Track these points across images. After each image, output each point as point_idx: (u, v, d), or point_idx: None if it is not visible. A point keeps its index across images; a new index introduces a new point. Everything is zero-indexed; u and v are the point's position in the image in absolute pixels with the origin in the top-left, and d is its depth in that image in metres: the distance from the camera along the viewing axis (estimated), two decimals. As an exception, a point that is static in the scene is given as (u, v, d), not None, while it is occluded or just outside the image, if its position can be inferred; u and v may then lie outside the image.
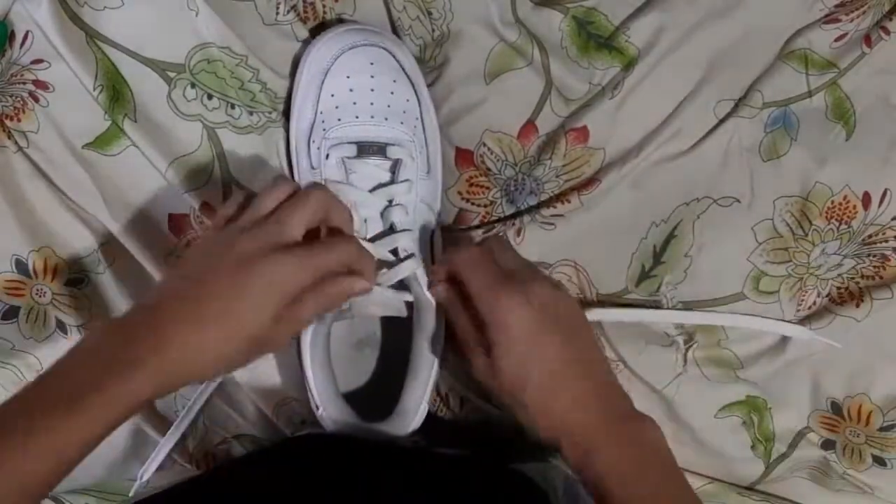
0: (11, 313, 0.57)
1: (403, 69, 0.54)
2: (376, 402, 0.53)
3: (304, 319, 0.47)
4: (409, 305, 0.53)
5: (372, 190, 0.52)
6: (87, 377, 0.40)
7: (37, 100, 0.56)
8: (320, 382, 0.52)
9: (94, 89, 0.54)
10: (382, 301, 0.52)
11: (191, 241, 0.58)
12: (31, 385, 0.40)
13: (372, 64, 0.53)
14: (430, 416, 0.56)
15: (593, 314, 0.57)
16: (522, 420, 0.47)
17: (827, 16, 0.58)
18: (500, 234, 0.58)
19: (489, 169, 0.58)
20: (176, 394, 0.60)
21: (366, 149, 0.52)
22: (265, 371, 0.60)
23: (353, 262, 0.47)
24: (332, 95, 0.53)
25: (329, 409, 0.52)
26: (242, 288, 0.43)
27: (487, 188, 0.59)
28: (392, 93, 0.53)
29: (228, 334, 0.43)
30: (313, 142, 0.54)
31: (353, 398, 0.54)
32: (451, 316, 0.51)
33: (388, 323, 0.58)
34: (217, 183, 0.57)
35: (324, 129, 0.53)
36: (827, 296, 0.59)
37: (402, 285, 0.52)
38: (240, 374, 0.59)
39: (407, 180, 0.52)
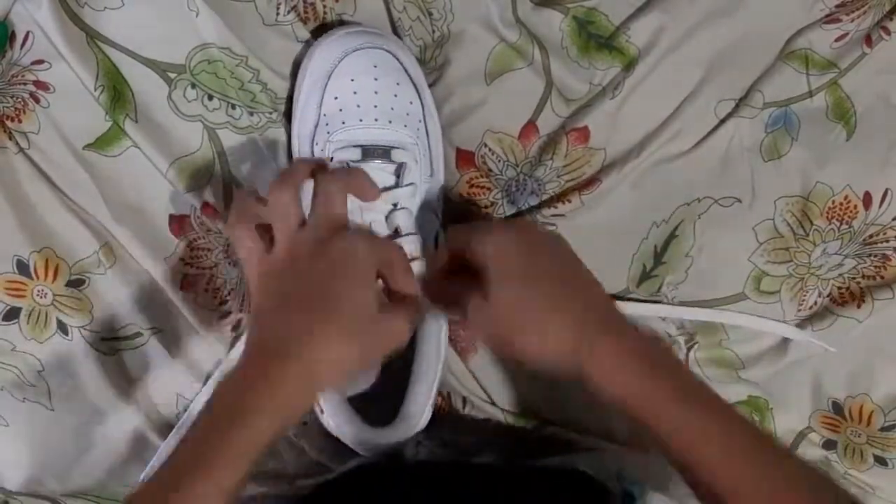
0: (12, 314, 0.57)
1: (407, 71, 0.54)
2: (380, 406, 0.53)
3: (410, 319, 0.47)
4: None
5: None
6: (211, 438, 0.40)
7: (37, 100, 0.56)
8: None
9: (95, 90, 0.54)
10: None
11: (190, 243, 0.58)
12: (169, 454, 0.40)
13: (375, 66, 0.53)
14: (432, 417, 0.56)
15: None
16: (523, 360, 0.45)
17: (827, 16, 0.58)
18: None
19: (490, 170, 0.58)
20: (178, 395, 0.60)
21: (370, 152, 0.52)
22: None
23: (398, 262, 0.48)
24: (336, 98, 0.53)
25: (333, 413, 0.52)
26: (330, 277, 0.43)
27: (488, 189, 0.59)
28: (396, 95, 0.53)
29: (338, 332, 0.42)
30: (317, 144, 0.54)
31: (357, 401, 0.54)
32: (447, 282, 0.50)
33: None
34: (218, 183, 0.57)
35: (328, 132, 0.53)
36: (828, 296, 0.59)
37: None
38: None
39: (412, 184, 0.52)
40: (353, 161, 0.52)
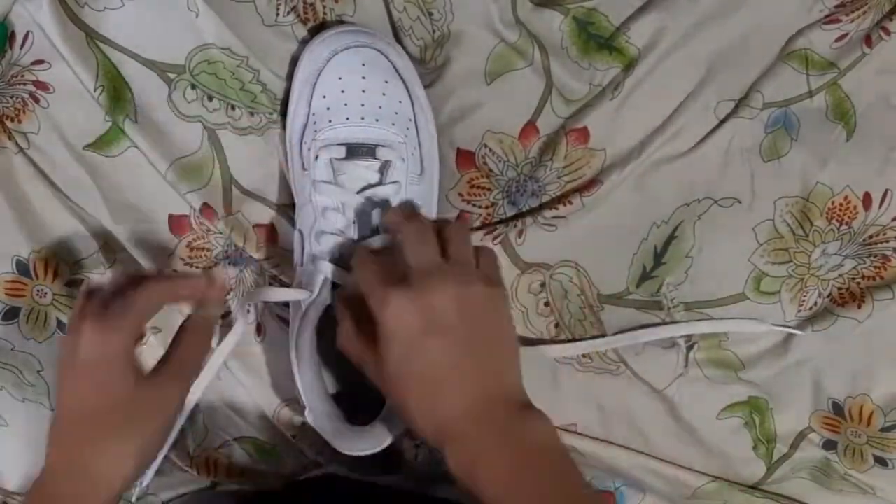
0: (12, 314, 0.57)
1: (396, 70, 0.54)
2: (366, 404, 0.53)
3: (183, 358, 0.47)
4: None
5: (359, 191, 0.52)
6: None
7: (37, 101, 0.56)
8: (308, 383, 0.52)
9: (95, 90, 0.54)
10: None
11: (190, 243, 0.58)
12: None
13: (364, 65, 0.53)
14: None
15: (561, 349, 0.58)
16: (411, 428, 0.45)
17: (827, 16, 0.58)
18: (502, 235, 0.58)
19: (491, 170, 0.58)
20: (176, 395, 0.60)
21: (355, 150, 0.52)
22: (266, 373, 0.60)
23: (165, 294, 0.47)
24: (324, 97, 0.53)
25: (317, 410, 0.52)
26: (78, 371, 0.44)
27: (489, 189, 0.59)
28: (384, 94, 0.53)
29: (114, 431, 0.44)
30: (305, 143, 0.54)
31: (342, 399, 0.54)
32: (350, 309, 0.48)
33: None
34: (217, 184, 0.57)
35: (315, 131, 0.53)
36: (828, 296, 0.59)
37: None
38: (240, 376, 0.59)
39: (395, 182, 0.52)
40: (337, 159, 0.52)
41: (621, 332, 0.59)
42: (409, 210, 0.52)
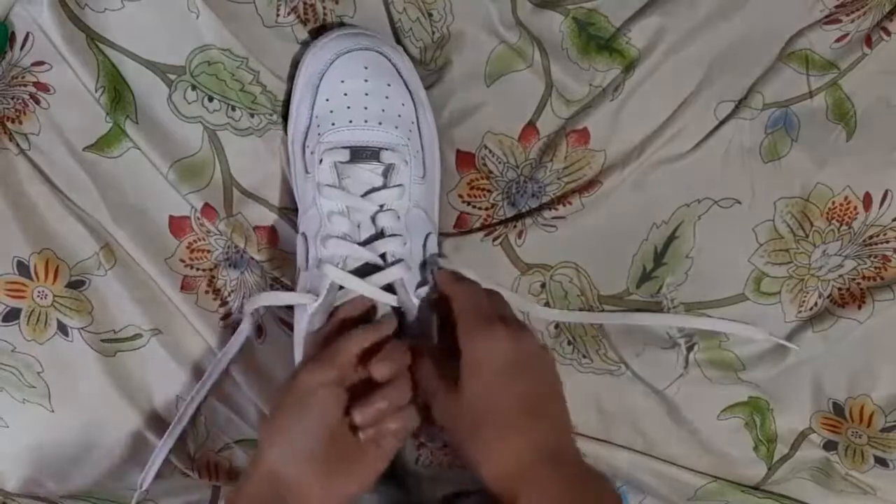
0: (12, 315, 0.57)
1: (399, 73, 0.54)
2: None
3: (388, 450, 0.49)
4: (397, 311, 0.53)
5: (364, 195, 0.52)
6: None
7: (38, 102, 0.56)
8: None
9: (96, 91, 0.54)
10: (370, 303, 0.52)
11: (191, 244, 0.58)
12: None
13: (366, 68, 0.53)
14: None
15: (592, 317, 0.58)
16: (470, 460, 0.45)
17: (827, 16, 0.58)
18: (502, 236, 0.58)
19: (491, 171, 0.58)
20: (177, 397, 0.60)
21: (359, 153, 0.52)
22: (266, 375, 0.60)
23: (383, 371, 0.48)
24: (327, 100, 0.53)
25: None
26: (295, 417, 0.47)
27: (489, 191, 0.59)
28: (387, 97, 0.53)
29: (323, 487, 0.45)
30: (308, 146, 0.54)
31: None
32: (424, 345, 0.51)
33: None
34: (218, 185, 0.57)
35: (318, 134, 0.53)
36: (828, 297, 0.59)
37: (390, 289, 0.52)
38: (241, 378, 0.59)
39: (399, 185, 0.52)
40: (341, 162, 0.52)
41: (623, 335, 0.59)
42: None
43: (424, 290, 0.52)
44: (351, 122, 0.52)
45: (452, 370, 0.46)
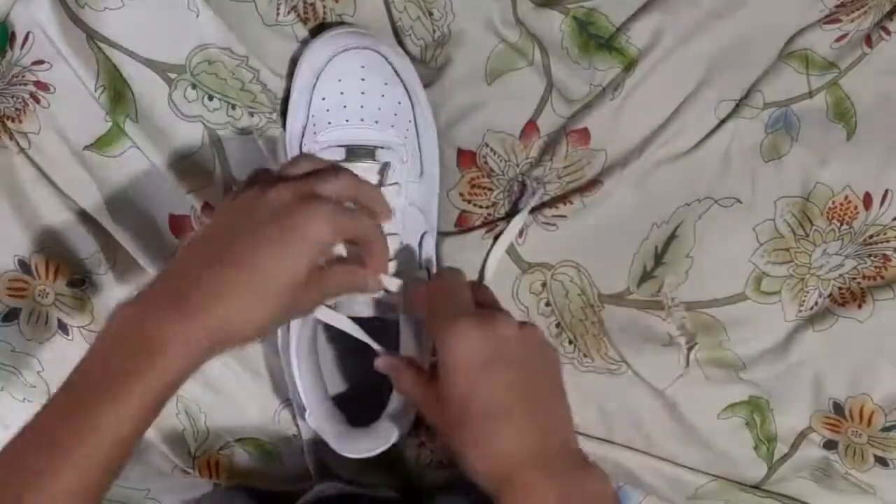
0: (12, 315, 0.57)
1: (396, 71, 0.54)
2: (366, 406, 0.53)
3: (329, 291, 0.45)
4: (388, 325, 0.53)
5: None
6: (116, 365, 0.37)
7: (38, 101, 0.56)
8: (308, 385, 0.52)
9: (96, 90, 0.54)
10: (369, 302, 0.52)
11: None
12: (67, 380, 0.38)
13: (363, 67, 0.53)
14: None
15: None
16: (460, 460, 0.42)
17: (827, 16, 0.58)
18: (503, 234, 0.58)
19: (492, 170, 0.58)
20: (178, 396, 0.60)
21: (355, 152, 0.52)
22: (267, 373, 0.60)
23: (373, 240, 0.45)
24: (324, 99, 0.53)
25: (317, 412, 0.52)
26: (277, 239, 0.40)
27: (490, 189, 0.59)
28: (383, 95, 0.53)
29: (261, 293, 0.40)
30: (304, 144, 0.54)
31: (342, 401, 0.54)
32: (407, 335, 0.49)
33: (379, 324, 0.57)
34: (218, 184, 0.57)
35: (314, 133, 0.53)
36: (829, 296, 0.59)
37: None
38: (241, 377, 0.59)
39: (395, 184, 0.52)
40: (337, 160, 0.52)
41: (624, 334, 0.59)
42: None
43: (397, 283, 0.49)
44: (347, 120, 0.52)
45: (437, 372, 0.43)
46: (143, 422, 0.37)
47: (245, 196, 0.42)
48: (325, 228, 0.41)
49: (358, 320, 0.50)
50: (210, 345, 0.39)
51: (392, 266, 0.50)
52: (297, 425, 0.59)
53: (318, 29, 0.56)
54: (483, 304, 0.45)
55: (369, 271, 0.46)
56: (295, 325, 0.52)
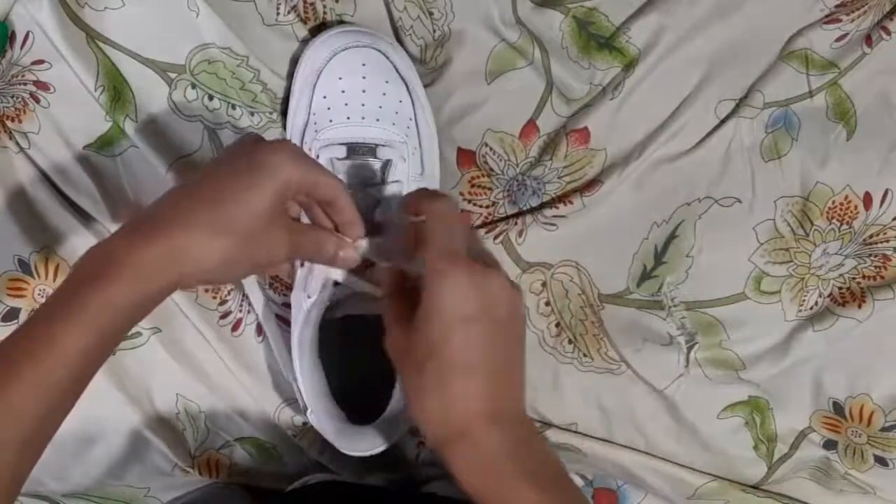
0: (12, 315, 0.57)
1: (397, 70, 0.54)
2: (367, 404, 0.53)
3: (297, 248, 0.45)
4: None
5: (361, 191, 0.52)
6: (72, 284, 0.39)
7: (38, 101, 0.56)
8: (308, 383, 0.52)
9: (95, 90, 0.54)
10: (370, 299, 0.52)
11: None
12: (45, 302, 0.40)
13: (364, 65, 0.53)
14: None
15: None
16: (412, 405, 0.42)
17: (827, 16, 0.58)
18: (503, 234, 0.58)
19: (492, 169, 0.58)
20: (177, 395, 0.60)
21: (355, 150, 0.52)
22: (267, 373, 0.60)
23: (338, 194, 0.45)
24: (325, 97, 0.53)
25: (318, 410, 0.52)
26: (243, 170, 0.41)
27: (489, 189, 0.59)
28: (384, 94, 0.53)
29: (220, 224, 0.40)
30: (305, 142, 0.54)
31: (343, 399, 0.54)
32: (391, 263, 0.47)
33: (380, 322, 0.57)
34: (218, 184, 0.57)
35: (315, 131, 0.53)
36: (828, 296, 0.59)
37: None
38: (241, 376, 0.59)
39: (396, 181, 0.52)
40: (338, 158, 0.52)
41: (624, 334, 0.59)
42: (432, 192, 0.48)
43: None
44: (348, 118, 0.52)
45: (412, 300, 0.42)
46: (97, 343, 0.38)
47: (228, 146, 0.44)
48: (290, 164, 0.42)
49: (358, 320, 0.50)
50: (165, 272, 0.40)
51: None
52: (303, 423, 0.59)
53: (319, 28, 0.56)
54: (472, 248, 0.44)
55: (341, 236, 0.46)
56: (296, 325, 0.52)
